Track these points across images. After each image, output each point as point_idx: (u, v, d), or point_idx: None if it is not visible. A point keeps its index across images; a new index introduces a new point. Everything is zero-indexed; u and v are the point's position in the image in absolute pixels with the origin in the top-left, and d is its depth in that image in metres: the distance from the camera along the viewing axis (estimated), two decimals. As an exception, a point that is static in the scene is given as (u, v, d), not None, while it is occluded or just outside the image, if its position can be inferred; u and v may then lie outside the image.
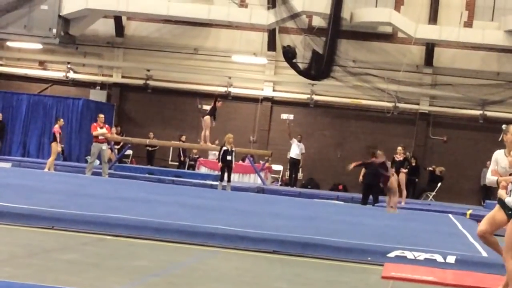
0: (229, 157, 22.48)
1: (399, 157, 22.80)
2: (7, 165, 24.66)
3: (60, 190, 15.12)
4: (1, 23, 28.15)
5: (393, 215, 18.17)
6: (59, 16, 28.22)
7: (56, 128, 23.72)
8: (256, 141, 30.57)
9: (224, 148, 22.54)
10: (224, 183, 22.51)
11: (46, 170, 23.32)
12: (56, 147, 23.72)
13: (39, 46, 30.82)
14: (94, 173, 23.37)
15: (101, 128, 23.57)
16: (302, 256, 9.72)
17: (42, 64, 32.79)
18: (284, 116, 29.66)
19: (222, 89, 30.65)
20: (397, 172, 22.48)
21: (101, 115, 24.05)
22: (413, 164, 27.87)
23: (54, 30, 28.17)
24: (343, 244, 10.25)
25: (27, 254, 8.23)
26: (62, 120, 24.66)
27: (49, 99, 30.09)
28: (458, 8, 29.18)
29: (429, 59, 30.02)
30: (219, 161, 22.83)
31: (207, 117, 23.96)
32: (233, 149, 22.72)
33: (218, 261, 9.16)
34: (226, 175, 22.58)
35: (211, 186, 23.60)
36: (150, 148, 30.13)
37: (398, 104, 29.59)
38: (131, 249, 9.21)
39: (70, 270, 7.37)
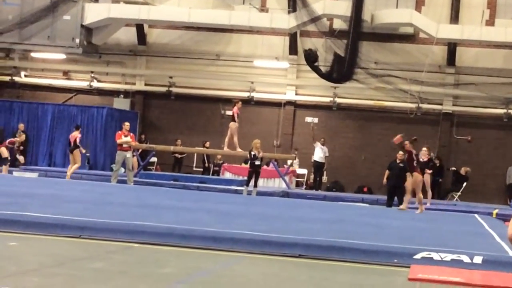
0: (257, 162, 22.58)
1: (424, 158, 22.71)
2: (34, 175, 24.85)
3: (86, 198, 15.23)
4: (25, 35, 28.41)
5: (419, 216, 18.09)
6: (82, 26, 28.41)
7: (77, 134, 23.99)
8: (280, 145, 30.59)
9: (252, 153, 22.66)
10: (250, 188, 22.55)
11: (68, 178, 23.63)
12: (79, 154, 24.04)
13: (62, 56, 31.06)
14: (119, 181, 23.51)
15: (126, 136, 23.72)
16: (328, 260, 9.72)
17: (66, 74, 33.03)
18: (308, 119, 29.61)
19: (245, 94, 30.68)
20: (422, 173, 22.41)
21: (127, 123, 24.22)
22: (437, 164, 27.77)
23: (77, 40, 28.37)
24: (369, 246, 10.24)
25: (55, 263, 8.30)
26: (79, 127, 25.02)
27: (74, 109, 30.32)
28: (479, 7, 29.02)
29: (451, 58, 29.90)
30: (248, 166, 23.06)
31: (232, 123, 24.07)
32: (261, 154, 22.81)
33: (244, 266, 9.19)
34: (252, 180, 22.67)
35: (236, 192, 23.64)
36: (178, 155, 30.19)
37: (421, 105, 29.50)
38: (157, 256, 9.25)
39: (98, 279, 7.43)
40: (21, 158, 25.82)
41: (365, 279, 8.79)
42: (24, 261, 8.29)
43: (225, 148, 24.93)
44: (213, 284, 7.74)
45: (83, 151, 24.80)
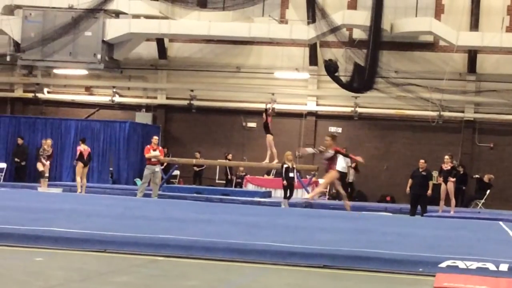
0: (291, 174, 22.68)
1: (446, 166, 22.65)
2: (58, 190, 25.03)
3: (111, 213, 15.31)
4: (47, 52, 28.69)
5: (443, 224, 18.00)
6: (103, 41, 28.64)
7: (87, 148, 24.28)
8: (302, 156, 30.58)
9: (285, 165, 22.76)
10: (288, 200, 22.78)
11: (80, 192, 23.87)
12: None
13: (84, 72, 31.32)
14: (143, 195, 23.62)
15: (154, 150, 23.86)
16: (353, 270, 9.70)
17: (88, 89, 33.27)
18: (332, 129, 29.54)
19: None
20: (445, 181, 22.34)
21: (155, 137, 24.48)
22: (461, 172, 27.66)
23: (99, 56, 28.61)
24: (394, 256, 10.22)
25: (80, 278, 8.36)
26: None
27: (97, 124, 30.53)
28: (499, 14, 28.94)
29: (472, 66, 29.82)
30: (282, 179, 23.09)
31: (268, 135, 24.13)
32: (294, 166, 22.91)
33: (269, 278, 9.20)
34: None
35: (259, 203, 23.67)
36: (197, 168, 30.29)
37: (442, 113, 29.42)
38: (182, 269, 9.29)
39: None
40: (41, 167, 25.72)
41: (390, 288, 8.78)
42: (50, 276, 8.36)
43: (267, 161, 24.89)
44: (238, 296, 7.77)
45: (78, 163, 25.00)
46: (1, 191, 23.46)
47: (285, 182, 22.95)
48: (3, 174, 28.88)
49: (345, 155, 20.57)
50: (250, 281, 8.85)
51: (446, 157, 22.80)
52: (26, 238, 10.68)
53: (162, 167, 27.47)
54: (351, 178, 28.96)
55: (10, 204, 16.50)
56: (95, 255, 10.12)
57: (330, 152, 19.48)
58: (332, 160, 19.69)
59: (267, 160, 24.72)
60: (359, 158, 20.56)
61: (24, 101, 33.68)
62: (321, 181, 29.00)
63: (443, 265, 9.61)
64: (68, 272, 8.67)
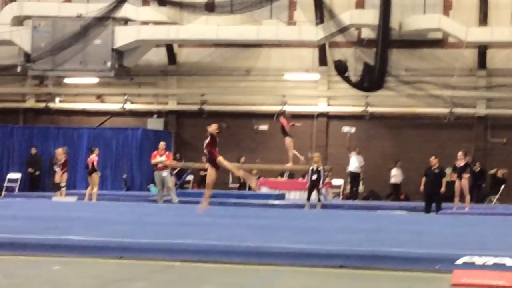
0: (314, 176, 22.77)
1: (460, 163, 22.59)
2: (73, 199, 25.10)
3: (126, 220, 15.35)
4: (58, 61, 28.78)
5: (458, 221, 17.94)
6: (113, 49, 28.70)
7: (94, 157, 24.31)
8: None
9: (311, 167, 22.87)
10: (314, 202, 22.74)
11: (89, 200, 23.88)
12: (97, 177, 24.31)
13: (95, 80, 31.41)
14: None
15: (161, 155, 23.93)
16: (369, 269, 9.71)
17: (99, 97, 33.35)
18: (345, 129, 29.41)
19: (277, 108, 30.74)
20: (459, 178, 22.29)
21: (162, 143, 24.48)
22: (478, 169, 27.63)
23: (109, 63, 28.68)
24: (410, 254, 10.22)
25: (98, 285, 8.41)
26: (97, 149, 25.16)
27: (109, 131, 30.60)
28: (508, 8, 28.83)
29: (482, 61, 29.73)
30: (307, 181, 23.33)
31: (286, 138, 24.17)
32: (320, 167, 22.99)
33: (287, 280, 9.22)
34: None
35: (273, 206, 23.68)
36: (203, 173, 30.27)
37: (454, 110, 29.33)
38: (199, 273, 9.32)
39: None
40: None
41: (408, 286, 8.77)
42: (68, 284, 8.41)
43: (290, 163, 24.90)
44: (256, 298, 7.79)
45: (99, 174, 25.07)
46: (17, 201, 23.58)
47: (309, 184, 23.12)
48: (18, 184, 28.99)
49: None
50: (267, 284, 8.87)
51: (460, 153, 22.72)
52: (43, 247, 10.75)
53: (175, 172, 27.54)
54: (398, 179, 28.97)
55: (26, 214, 16.59)
56: (111, 262, 10.17)
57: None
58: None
59: (290, 163, 24.77)
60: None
61: (36, 111, 33.79)
62: (334, 181, 29.11)
63: (460, 261, 9.61)
64: (85, 279, 8.72)
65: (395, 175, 29.21)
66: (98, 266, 9.87)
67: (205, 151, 17.43)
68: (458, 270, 8.25)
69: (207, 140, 16.85)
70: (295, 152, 24.34)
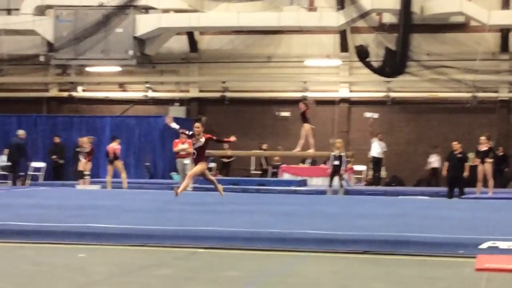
0: (336, 162, 22.80)
1: (483, 147, 22.50)
2: (97, 187, 25.27)
3: (150, 207, 15.45)
4: (80, 50, 28.96)
5: (482, 206, 17.88)
6: (134, 37, 28.83)
7: (115, 146, 24.39)
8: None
9: (333, 153, 22.90)
10: (336, 187, 22.74)
11: (125, 188, 24.04)
12: (121, 164, 24.47)
13: (117, 68, 31.56)
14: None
15: (183, 143, 23.99)
16: (393, 254, 9.71)
17: (121, 86, 33.51)
18: (368, 114, 29.37)
19: (298, 94, 30.73)
20: (482, 162, 22.21)
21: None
22: (501, 153, 27.49)
23: (131, 52, 28.81)
24: (434, 239, 10.22)
25: (123, 272, 8.47)
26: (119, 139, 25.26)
27: (131, 120, 30.76)
28: (531, -10, 28.63)
29: (504, 45, 29.55)
30: (329, 167, 23.66)
31: (305, 124, 24.10)
32: (342, 153, 23.00)
33: (310, 265, 9.24)
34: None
35: (296, 192, 23.72)
36: (225, 160, 30.41)
37: (476, 94, 29.17)
38: (222, 260, 9.36)
39: (166, 285, 7.56)
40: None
41: (432, 271, 8.77)
42: (93, 271, 8.48)
43: (298, 149, 24.80)
44: (280, 284, 7.82)
45: (121, 162, 25.22)
46: (41, 190, 23.76)
47: (331, 170, 23.14)
48: (42, 173, 29.24)
49: (219, 141, 18.11)
50: (291, 270, 8.90)
51: (482, 138, 22.64)
52: (68, 235, 10.85)
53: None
54: (436, 165, 28.85)
55: (51, 203, 16.73)
56: (136, 250, 10.24)
57: (201, 141, 16.88)
58: (203, 150, 16.92)
59: (298, 149, 24.69)
60: (231, 139, 18.38)
61: (59, 100, 34.03)
62: (356, 167, 29.10)
63: (484, 246, 9.59)
64: (110, 267, 8.79)
65: (434, 161, 28.96)
66: (123, 253, 9.94)
67: (193, 151, 17.15)
68: (482, 255, 8.25)
69: (202, 143, 16.67)
70: (312, 140, 24.22)
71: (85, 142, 25.43)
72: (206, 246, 10.22)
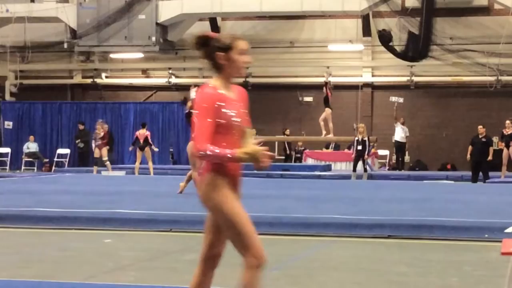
0: (359, 147, 22.77)
1: (508, 131, 22.38)
2: (121, 173, 25.42)
3: (174, 193, 15.54)
4: (103, 37, 29.05)
5: (505, 190, 17.81)
6: (157, 23, 28.85)
7: (147, 132, 24.50)
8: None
9: (356, 138, 22.90)
10: (360, 172, 22.76)
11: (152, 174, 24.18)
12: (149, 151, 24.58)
13: (140, 55, 31.62)
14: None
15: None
16: (418, 239, 9.74)
17: (144, 72, 33.58)
18: (393, 98, 29.15)
19: (321, 79, 30.62)
20: (507, 146, 22.10)
21: None
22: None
23: (153, 38, 28.85)
24: (459, 223, 10.22)
25: (149, 257, 8.56)
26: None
27: (155, 106, 30.89)
28: (556, -28, 28.27)
29: (529, 28, 29.25)
30: (352, 152, 23.44)
31: (327, 109, 24.12)
32: (365, 138, 22.96)
33: (335, 250, 9.29)
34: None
35: (319, 177, 23.72)
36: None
37: (500, 77, 28.93)
38: (248, 244, 9.40)
39: (192, 270, 7.60)
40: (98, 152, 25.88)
41: (457, 255, 8.78)
42: (120, 256, 8.58)
43: (324, 134, 24.71)
44: (306, 269, 7.87)
45: (155, 149, 25.31)
46: (66, 176, 23.97)
47: (354, 154, 23.12)
48: (67, 159, 29.46)
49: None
50: (316, 254, 8.95)
51: (507, 121, 22.49)
52: (94, 221, 10.97)
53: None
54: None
55: (76, 189, 16.89)
56: (161, 235, 10.34)
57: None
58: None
59: (332, 134, 24.67)
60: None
61: (84, 86, 34.18)
62: (379, 152, 29.05)
63: (510, 230, 9.59)
64: (137, 252, 8.89)
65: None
66: (148, 239, 10.03)
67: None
68: (507, 239, 8.23)
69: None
70: (331, 125, 24.18)
71: (98, 127, 25.46)
72: (231, 231, 10.26)
